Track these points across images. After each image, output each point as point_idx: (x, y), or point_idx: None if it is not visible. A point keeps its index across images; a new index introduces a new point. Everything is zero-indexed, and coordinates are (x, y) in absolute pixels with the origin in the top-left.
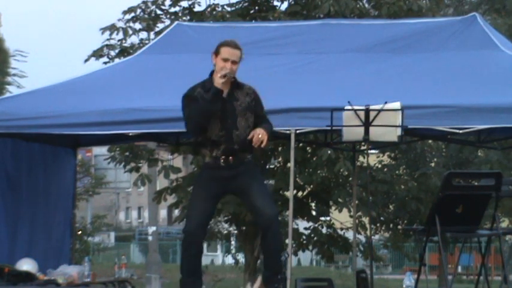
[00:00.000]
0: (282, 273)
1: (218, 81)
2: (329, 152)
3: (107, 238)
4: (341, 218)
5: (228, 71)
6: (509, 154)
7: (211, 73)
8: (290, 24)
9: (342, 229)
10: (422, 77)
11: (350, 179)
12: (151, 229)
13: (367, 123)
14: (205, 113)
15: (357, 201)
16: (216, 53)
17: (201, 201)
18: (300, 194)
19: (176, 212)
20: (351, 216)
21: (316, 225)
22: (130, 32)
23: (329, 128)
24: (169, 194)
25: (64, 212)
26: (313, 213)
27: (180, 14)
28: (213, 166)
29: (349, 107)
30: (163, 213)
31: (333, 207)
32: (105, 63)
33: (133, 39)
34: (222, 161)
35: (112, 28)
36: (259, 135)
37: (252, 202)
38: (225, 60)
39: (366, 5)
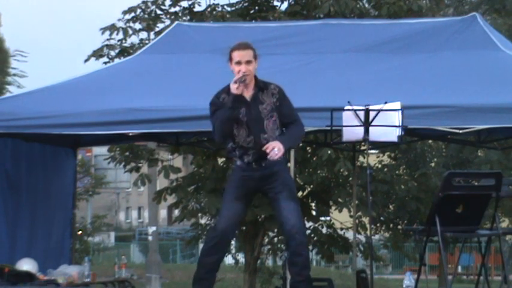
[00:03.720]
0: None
1: (233, 87)
2: (329, 152)
3: (107, 238)
4: (341, 218)
5: (240, 75)
6: (509, 154)
7: None
8: (290, 24)
9: (342, 229)
10: (423, 77)
11: (350, 179)
12: (151, 229)
13: (367, 123)
14: (226, 120)
15: (357, 201)
16: (230, 60)
17: (233, 201)
18: (300, 194)
19: (176, 212)
20: (351, 216)
21: (316, 225)
22: (131, 32)
23: (329, 128)
24: (169, 194)
25: (64, 212)
26: (313, 213)
27: (180, 14)
28: (246, 168)
29: (349, 107)
30: (163, 213)
31: (333, 207)
32: (105, 63)
33: (134, 39)
34: (254, 164)
35: (112, 28)
36: (275, 149)
37: (279, 210)
38: (238, 63)
39: (366, 5)
